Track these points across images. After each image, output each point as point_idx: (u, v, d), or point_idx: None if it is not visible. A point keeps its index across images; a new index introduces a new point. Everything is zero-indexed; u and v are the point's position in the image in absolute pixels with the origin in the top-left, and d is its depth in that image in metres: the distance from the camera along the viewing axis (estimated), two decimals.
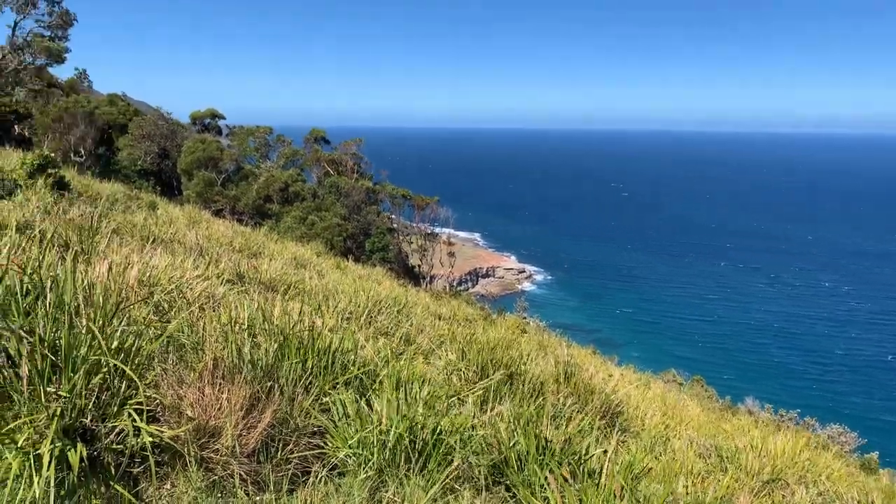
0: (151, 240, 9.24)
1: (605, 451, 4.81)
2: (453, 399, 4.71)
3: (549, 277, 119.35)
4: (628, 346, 74.44)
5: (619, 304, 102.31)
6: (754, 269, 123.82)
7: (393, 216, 52.78)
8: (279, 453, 3.49)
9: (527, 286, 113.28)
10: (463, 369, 6.37)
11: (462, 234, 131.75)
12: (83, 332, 3.19)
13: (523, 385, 6.25)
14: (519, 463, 4.14)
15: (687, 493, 5.12)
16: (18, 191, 11.34)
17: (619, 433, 6.68)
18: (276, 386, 3.66)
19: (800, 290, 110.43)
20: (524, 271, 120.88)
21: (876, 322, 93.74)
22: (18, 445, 2.74)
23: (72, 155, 37.57)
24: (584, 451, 4.73)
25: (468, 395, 4.98)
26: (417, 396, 4.24)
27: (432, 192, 56.43)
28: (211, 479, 3.17)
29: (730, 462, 6.57)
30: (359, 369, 4.61)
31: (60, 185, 12.73)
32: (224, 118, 61.35)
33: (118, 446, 3.00)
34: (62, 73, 60.39)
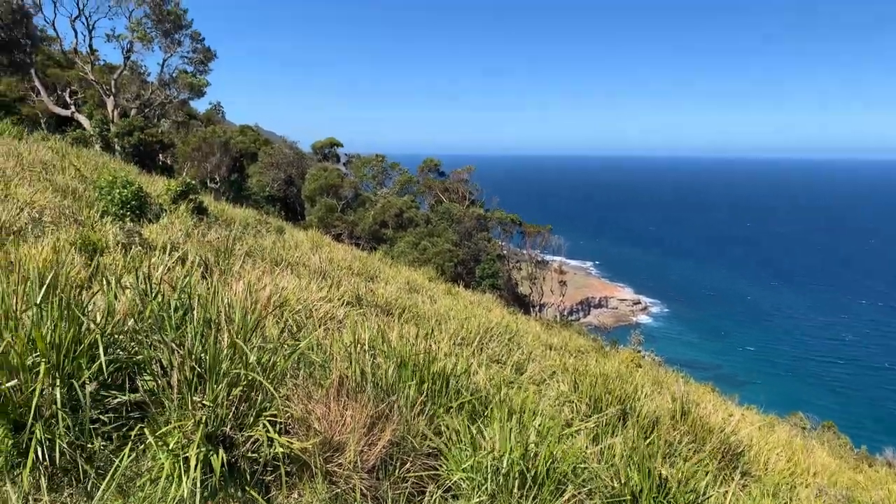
0: (280, 262, 9.86)
1: (726, 493, 4.63)
2: (566, 431, 4.69)
3: (666, 310, 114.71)
4: (751, 386, 69.95)
5: (744, 340, 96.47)
6: None
7: (503, 243, 52.99)
8: (397, 471, 3.63)
9: (642, 318, 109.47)
10: (575, 401, 6.32)
11: (574, 262, 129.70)
12: (226, 346, 3.50)
13: (637, 421, 6.10)
14: (633, 500, 4.07)
15: None
16: (164, 214, 12.44)
17: (740, 476, 6.35)
18: (395, 406, 3.82)
19: None
20: (639, 302, 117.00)
21: None
22: (170, 448, 3.05)
23: (208, 181, 40.62)
24: (701, 492, 4.57)
25: (581, 428, 4.95)
26: (530, 425, 4.27)
27: (544, 220, 56.20)
28: (334, 492, 3.36)
29: None
30: (472, 395, 4.70)
31: (199, 210, 13.83)
32: (342, 146, 64.31)
33: (253, 454, 3.26)
34: (200, 105, 65.68)
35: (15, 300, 3.45)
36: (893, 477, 11.51)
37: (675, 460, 5.20)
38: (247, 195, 43.17)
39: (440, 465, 3.83)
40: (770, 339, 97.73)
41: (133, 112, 39.08)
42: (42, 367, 3.09)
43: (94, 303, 3.99)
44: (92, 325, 3.42)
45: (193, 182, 15.19)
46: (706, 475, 5.05)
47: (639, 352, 29.34)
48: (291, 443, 3.26)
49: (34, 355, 3.18)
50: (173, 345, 3.48)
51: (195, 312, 3.87)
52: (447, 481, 3.75)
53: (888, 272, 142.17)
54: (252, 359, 3.38)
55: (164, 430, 3.11)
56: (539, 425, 4.38)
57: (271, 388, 3.26)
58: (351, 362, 3.90)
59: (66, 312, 3.36)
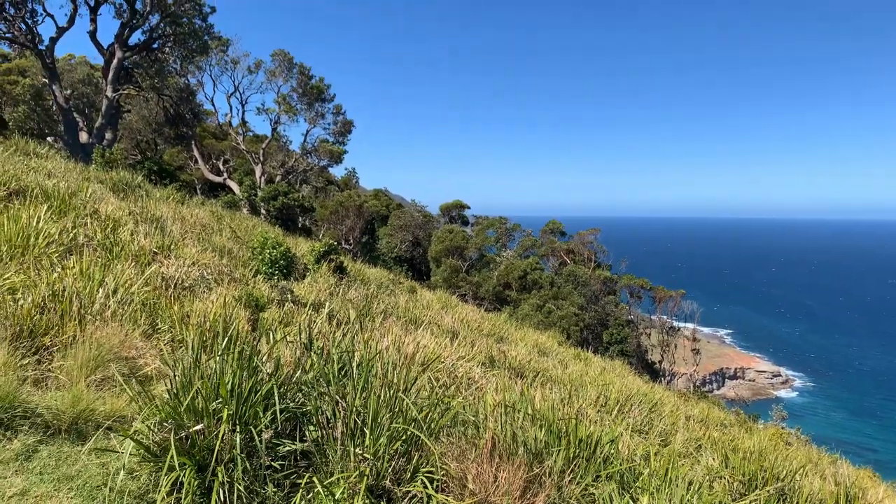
0: (415, 321, 10.12)
1: None
2: None
3: (811, 384, 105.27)
4: None
5: None
6: None
7: (632, 308, 51.29)
8: None
9: (783, 393, 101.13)
10: (727, 477, 5.91)
11: (707, 329, 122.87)
12: (384, 400, 3.62)
13: (798, 503, 5.60)
14: None
15: None
16: (308, 273, 13.20)
17: None
18: (547, 471, 3.76)
19: None
20: (779, 375, 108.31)
21: None
22: (335, 498, 3.17)
23: (342, 242, 42.75)
24: None
25: None
26: (684, 498, 4.05)
27: (675, 285, 53.97)
28: None
29: None
30: (621, 464, 4.54)
31: (339, 269, 14.56)
32: (469, 208, 65.62)
33: None
34: (337, 171, 69.79)
35: (200, 350, 3.77)
36: None
37: None
38: (377, 256, 44.94)
39: None
40: None
41: (278, 178, 42.24)
42: (224, 413, 3.35)
43: (262, 354, 4.29)
44: (266, 376, 3.68)
45: (334, 243, 16.06)
46: None
47: (783, 428, 27.06)
48: (448, 500, 3.29)
49: (217, 402, 3.45)
50: (337, 396, 3.65)
51: (354, 366, 4.05)
52: None
53: None
54: (413, 414, 3.47)
55: (330, 479, 3.24)
56: (693, 497, 4.14)
57: (431, 443, 3.32)
58: (501, 424, 3.91)
59: (244, 363, 3.64)
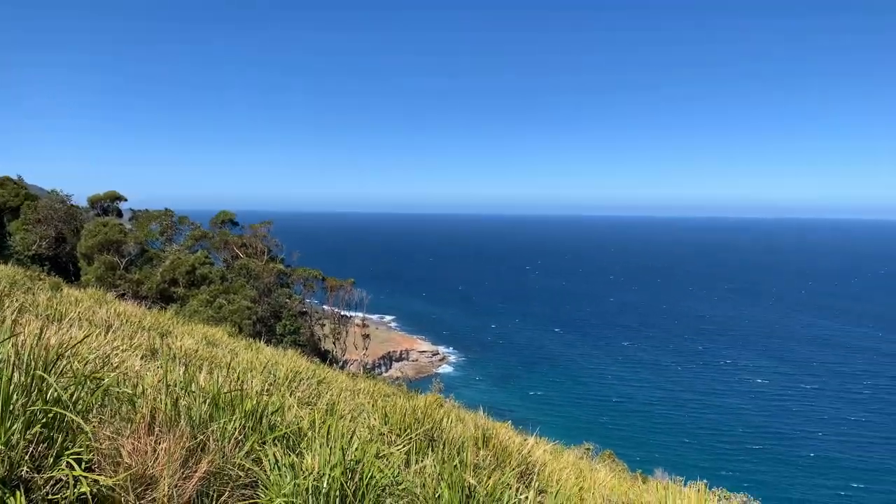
0: (62, 317, 8.98)
1: (524, 500, 5.10)
2: (382, 451, 4.89)
3: (464, 359, 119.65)
4: (542, 426, 74.79)
5: (534, 385, 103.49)
6: (662, 349, 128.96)
7: (306, 300, 52.14)
8: (214, 503, 3.56)
9: (443, 368, 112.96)
10: (386, 433, 6.52)
11: (375, 317, 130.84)
12: (18, 384, 3.24)
13: (445, 445, 6.46)
14: None
15: None
16: None
17: (537, 490, 6.94)
18: (211, 439, 3.76)
19: (707, 368, 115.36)
20: (437, 353, 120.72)
21: (781, 398, 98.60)
22: None
23: None
24: (505, 501, 4.98)
25: (394, 451, 5.17)
26: (347, 449, 4.41)
27: (345, 276, 56.36)
28: None
29: None
30: (287, 428, 4.74)
31: None
32: (125, 200, 59.50)
33: (55, 496, 3.03)
34: None
35: None
36: (664, 488, 13.05)
37: (480, 477, 5.59)
38: (9, 255, 38.22)
39: (260, 494, 3.82)
40: (555, 382, 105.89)
41: None
42: None
43: None
44: None
45: None
46: (508, 488, 5.51)
47: (440, 397, 30.32)
48: (98, 479, 3.10)
49: None
50: None
51: None
52: None
53: (646, 319, 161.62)
54: (57, 394, 3.17)
55: None
56: (356, 449, 4.53)
57: (79, 420, 3.08)
58: (162, 399, 3.78)
59: None
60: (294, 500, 3.73)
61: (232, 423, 4.30)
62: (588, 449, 24.71)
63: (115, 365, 5.89)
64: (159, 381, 4.28)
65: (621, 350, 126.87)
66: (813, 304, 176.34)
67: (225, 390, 4.69)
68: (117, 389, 3.76)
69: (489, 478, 5.58)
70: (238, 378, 7.12)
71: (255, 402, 4.77)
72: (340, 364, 48.12)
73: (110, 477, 3.17)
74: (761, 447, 78.40)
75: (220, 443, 3.86)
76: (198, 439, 3.65)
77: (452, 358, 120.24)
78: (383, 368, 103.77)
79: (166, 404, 3.70)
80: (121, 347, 6.86)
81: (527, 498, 5.10)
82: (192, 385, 4.75)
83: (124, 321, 11.74)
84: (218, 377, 5.62)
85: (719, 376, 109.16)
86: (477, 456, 6.90)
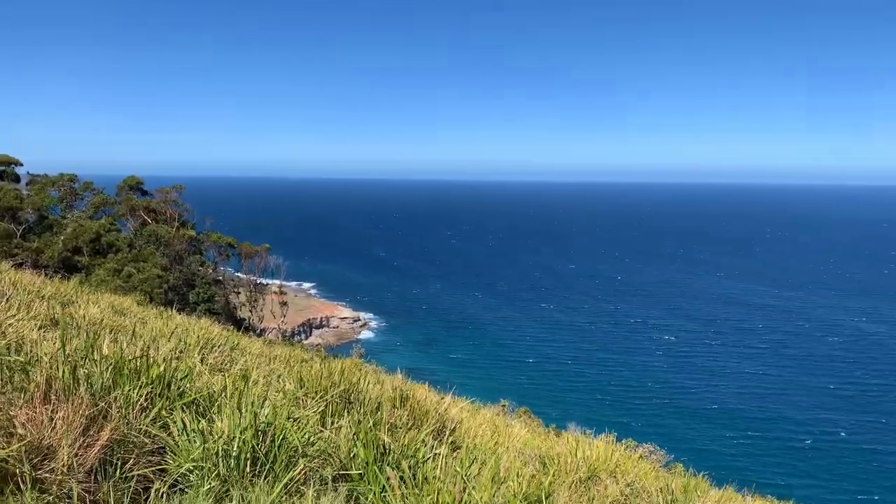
0: None
1: (438, 455, 5.22)
2: (295, 413, 4.88)
3: (385, 325, 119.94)
4: (462, 387, 76.29)
5: (455, 348, 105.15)
6: (576, 309, 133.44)
7: (220, 267, 50.70)
8: (118, 472, 3.47)
9: (364, 335, 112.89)
10: (301, 397, 6.49)
11: (293, 284, 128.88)
12: None
13: (362, 405, 6.50)
14: (364, 466, 4.40)
15: (513, 492, 5.63)
16: None
17: (451, 446, 7.12)
18: (114, 406, 3.65)
19: (619, 328, 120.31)
20: (359, 319, 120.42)
21: (688, 354, 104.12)
22: None
23: None
24: (421, 458, 5.10)
25: (309, 413, 5.17)
26: (259, 412, 4.37)
27: (263, 243, 55.04)
28: (46, 500, 3.11)
29: (551, 465, 7.25)
30: (197, 394, 4.65)
31: None
32: (21, 164, 55.62)
33: None
34: None
35: None
36: (576, 441, 13.65)
37: (397, 435, 5.68)
38: None
39: (167, 461, 3.74)
40: (475, 344, 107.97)
41: None
42: None
43: None
44: None
45: None
46: (423, 445, 5.63)
47: (361, 362, 30.36)
48: None
49: None
50: None
51: None
52: (175, 474, 3.68)
53: (563, 282, 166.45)
54: None
55: None
56: (268, 413, 4.50)
57: None
58: (59, 364, 3.63)
59: None
60: (203, 465, 3.68)
61: (137, 389, 4.19)
62: (504, 406, 25.51)
63: (6, 334, 5.60)
64: (58, 350, 4.09)
65: (539, 312, 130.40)
66: (716, 265, 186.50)
67: (130, 357, 4.55)
68: (9, 358, 3.57)
69: (405, 436, 5.69)
70: (146, 345, 6.90)
71: (162, 368, 4.65)
72: (258, 332, 47.29)
73: (2, 448, 3.03)
74: (668, 401, 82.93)
75: (123, 410, 3.75)
76: (99, 407, 3.53)
77: (374, 324, 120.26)
78: (303, 336, 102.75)
79: (64, 372, 3.55)
80: (17, 317, 6.49)
81: (440, 454, 5.22)
82: (95, 353, 4.57)
83: (20, 290, 11.07)
84: (123, 344, 5.43)
85: (631, 335, 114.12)
86: (393, 416, 7.00)
